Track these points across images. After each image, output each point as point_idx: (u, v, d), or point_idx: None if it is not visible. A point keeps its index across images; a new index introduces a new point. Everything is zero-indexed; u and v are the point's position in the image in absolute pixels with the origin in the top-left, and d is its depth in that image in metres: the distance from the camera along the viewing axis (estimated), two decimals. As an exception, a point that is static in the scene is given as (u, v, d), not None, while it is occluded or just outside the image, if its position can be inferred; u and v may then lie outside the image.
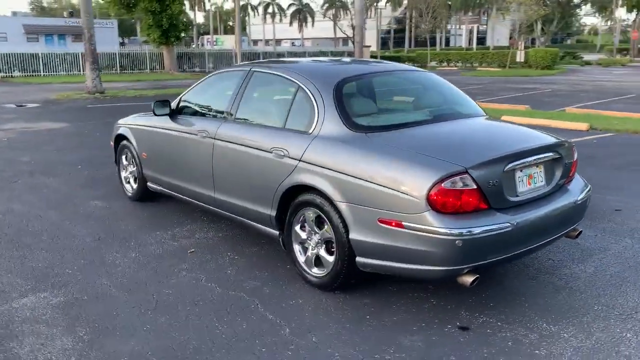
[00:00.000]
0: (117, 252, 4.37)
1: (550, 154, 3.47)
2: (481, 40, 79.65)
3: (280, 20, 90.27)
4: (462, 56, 40.51)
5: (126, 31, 77.92)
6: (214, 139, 4.30)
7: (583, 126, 10.28)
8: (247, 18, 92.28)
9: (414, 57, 41.67)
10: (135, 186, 5.68)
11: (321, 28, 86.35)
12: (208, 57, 33.68)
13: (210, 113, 4.70)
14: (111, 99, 17.35)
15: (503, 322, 3.20)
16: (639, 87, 20.67)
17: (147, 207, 5.56)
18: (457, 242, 2.90)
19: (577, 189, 3.66)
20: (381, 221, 3.12)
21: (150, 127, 5.19)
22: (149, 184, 5.45)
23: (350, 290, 3.58)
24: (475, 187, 2.99)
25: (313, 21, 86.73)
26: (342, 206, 3.30)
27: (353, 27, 39.57)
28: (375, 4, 73.39)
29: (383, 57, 39.79)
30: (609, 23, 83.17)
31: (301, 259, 3.74)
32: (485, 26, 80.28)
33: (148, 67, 31.84)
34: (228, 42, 69.90)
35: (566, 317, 3.25)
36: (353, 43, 39.66)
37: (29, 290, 3.70)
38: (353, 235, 3.26)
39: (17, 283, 3.81)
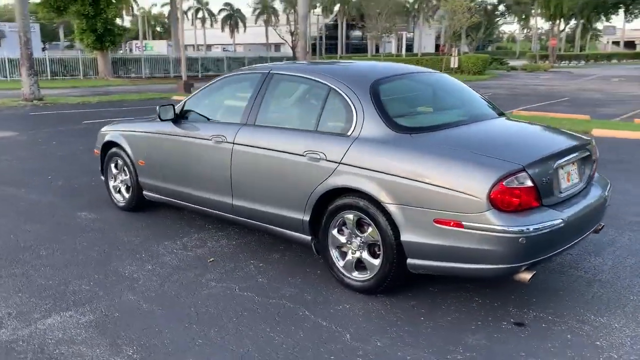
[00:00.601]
0: (131, 264, 4.14)
1: (583, 151, 3.60)
2: (409, 47, 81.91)
3: (212, 25, 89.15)
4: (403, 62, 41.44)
5: (47, 36, 74.46)
6: (233, 143, 4.16)
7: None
8: (177, 23, 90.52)
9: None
10: (127, 195, 5.40)
11: (253, 34, 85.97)
12: (145, 62, 32.65)
13: (224, 118, 4.55)
14: (53, 106, 16.45)
15: (553, 316, 3.28)
16: (571, 90, 21.95)
17: (142, 217, 5.30)
18: (520, 239, 2.94)
19: (600, 185, 3.82)
20: (437, 222, 3.12)
21: (149, 133, 4.96)
22: (145, 192, 5.20)
23: (393, 293, 3.55)
24: (532, 184, 3.05)
25: (245, 27, 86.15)
26: (392, 208, 3.27)
27: (292, 33, 39.79)
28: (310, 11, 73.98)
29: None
30: (525, 31, 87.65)
31: (339, 263, 3.67)
32: (412, 34, 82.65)
33: (81, 73, 30.48)
34: (158, 48, 68.04)
35: (609, 308, 3.37)
36: (292, 49, 39.86)
37: (49, 309, 3.43)
38: (405, 237, 3.25)
39: (34, 303, 3.52)
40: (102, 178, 5.78)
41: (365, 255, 3.53)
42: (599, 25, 69.28)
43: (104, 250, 4.43)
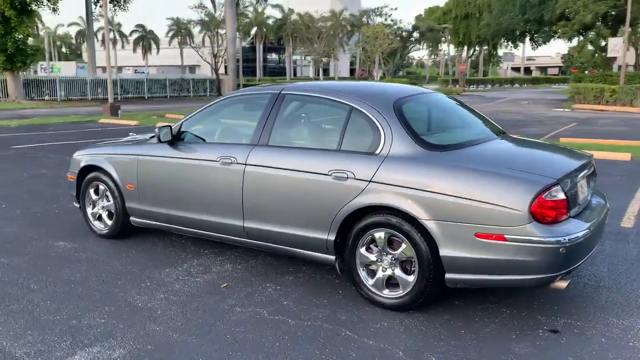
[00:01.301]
0: (140, 294, 3.91)
1: (590, 166, 3.87)
2: (325, 71, 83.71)
3: (123, 46, 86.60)
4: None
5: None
6: (245, 164, 4.08)
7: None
8: (86, 44, 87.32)
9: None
10: (110, 222, 5.12)
11: (167, 55, 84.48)
12: (60, 84, 31.04)
13: (228, 139, 4.46)
14: (-32, 130, 15.25)
15: (581, 321, 3.46)
16: (491, 112, 23.19)
17: (129, 244, 5.03)
18: (560, 249, 3.11)
19: (599, 196, 4.10)
20: (479, 236, 3.23)
21: (141, 155, 4.74)
22: (133, 218, 4.95)
23: (423, 308, 3.60)
24: (564, 197, 3.24)
25: (158, 48, 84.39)
26: (430, 224, 3.34)
27: (215, 55, 39.43)
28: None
29: (243, 86, 39.77)
30: (433, 57, 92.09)
31: (369, 282, 3.68)
32: (328, 58, 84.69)
33: (-12, 95, 28.49)
34: (66, 70, 64.92)
35: (626, 310, 3.61)
36: (215, 71, 39.46)
37: (71, 346, 3.18)
38: (445, 252, 3.32)
39: (50, 340, 3.24)
40: (76, 205, 5.44)
41: (397, 272, 3.56)
42: (500, 52, 74.40)
43: (103, 280, 4.17)
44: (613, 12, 28.24)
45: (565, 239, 3.13)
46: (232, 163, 4.15)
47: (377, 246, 3.64)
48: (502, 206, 3.17)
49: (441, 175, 3.38)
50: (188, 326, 3.43)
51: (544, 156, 3.89)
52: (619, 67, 36.47)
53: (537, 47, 40.25)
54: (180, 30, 78.62)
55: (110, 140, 5.82)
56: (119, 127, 16.80)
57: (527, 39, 38.96)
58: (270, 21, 74.47)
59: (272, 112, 4.15)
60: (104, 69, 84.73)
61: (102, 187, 5.10)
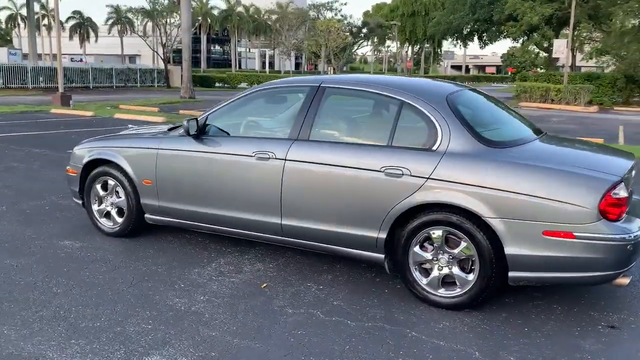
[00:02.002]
0: (178, 296, 3.69)
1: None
2: (271, 64, 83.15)
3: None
4: (272, 79, 41.76)
5: None
6: (284, 160, 3.92)
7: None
8: (17, 29, 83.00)
9: (224, 77, 41.66)
10: (120, 220, 4.81)
11: (106, 44, 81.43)
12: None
13: (262, 133, 4.27)
14: None
15: (633, 317, 3.53)
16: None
17: (143, 243, 4.75)
18: (628, 246, 3.14)
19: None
20: (547, 233, 3.22)
21: (161, 149, 4.47)
22: (148, 215, 4.68)
23: (479, 307, 3.57)
24: (626, 195, 3.28)
25: (97, 36, 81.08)
26: (495, 222, 3.31)
27: (163, 45, 38.26)
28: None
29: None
30: (376, 53, 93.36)
31: (423, 281, 3.62)
32: (273, 51, 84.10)
33: None
34: (-6, 58, 60.99)
35: (669, 305, 3.72)
36: (164, 61, 38.29)
37: (128, 355, 2.95)
38: (510, 251, 3.30)
39: (101, 349, 3.00)
40: (77, 201, 5.08)
41: (456, 271, 3.51)
42: (440, 50, 76.19)
43: (131, 283, 3.90)
44: (558, 15, 29.45)
45: (630, 236, 3.17)
46: (269, 158, 3.98)
47: (432, 244, 3.58)
48: (570, 204, 3.17)
49: (506, 172, 3.35)
50: (245, 330, 3.25)
51: (598, 154, 3.93)
52: (558, 67, 38.13)
53: (484, 47, 41.56)
54: (120, 19, 75.87)
55: (115, 133, 5.47)
56: (74, 118, 15.99)
57: (476, 37, 40.15)
58: (215, 12, 73.06)
59: (312, 105, 4.00)
60: (39, 56, 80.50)
61: (111, 182, 4.79)
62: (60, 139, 11.37)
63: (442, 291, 3.57)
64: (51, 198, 6.20)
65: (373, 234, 3.69)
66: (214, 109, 4.43)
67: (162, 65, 40.32)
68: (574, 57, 36.50)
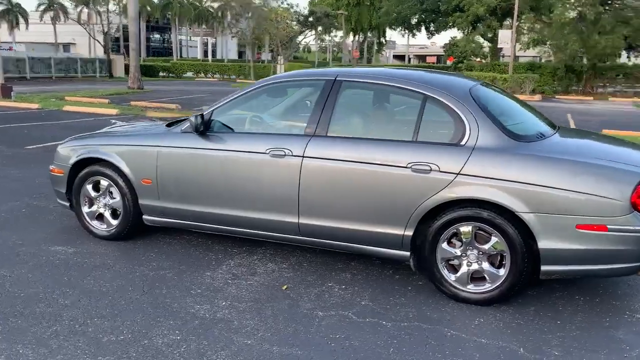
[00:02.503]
0: (198, 303, 3.50)
1: None
2: (213, 53, 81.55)
3: (-17, 20, 77.89)
4: (220, 68, 40.96)
5: None
6: (302, 157, 3.78)
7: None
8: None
9: (168, 66, 40.50)
10: (115, 222, 4.53)
11: (38, 32, 77.55)
12: None
13: (274, 129, 4.11)
14: None
15: (653, 305, 3.63)
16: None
17: (141, 245, 4.50)
18: None
19: None
20: (580, 227, 3.24)
21: (163, 146, 4.22)
22: (147, 217, 4.43)
23: (507, 301, 3.57)
24: None
25: (27, 23, 77.03)
26: (528, 217, 3.30)
27: (105, 33, 36.72)
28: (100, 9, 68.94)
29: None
30: (318, 42, 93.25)
31: (451, 277, 3.58)
32: (214, 39, 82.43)
33: None
34: None
35: (680, 292, 3.85)
36: (106, 50, 36.78)
37: (165, 370, 2.76)
38: (544, 245, 3.30)
39: (135, 365, 2.79)
40: (64, 203, 4.76)
41: (486, 266, 3.50)
42: (383, 40, 76.82)
43: (143, 290, 3.68)
44: (502, 6, 30.27)
45: None
46: (285, 155, 3.83)
47: (460, 240, 3.54)
48: (603, 197, 3.20)
49: (537, 166, 3.34)
50: (280, 336, 3.12)
51: (620, 147, 3.96)
52: (500, 57, 39.26)
53: (431, 36, 42.22)
54: (52, 5, 72.30)
55: (107, 129, 5.14)
56: (19, 111, 15.09)
57: (423, 28, 40.74)
58: (155, -1, 70.79)
59: (328, 99, 3.87)
60: (-37, 44, 75.57)
61: (104, 182, 4.49)
62: (12, 134, 10.68)
63: (471, 287, 3.55)
64: (24, 199, 5.79)
65: (399, 231, 3.62)
66: (219, 104, 4.21)
67: (99, 54, 38.76)
68: (514, 47, 37.66)
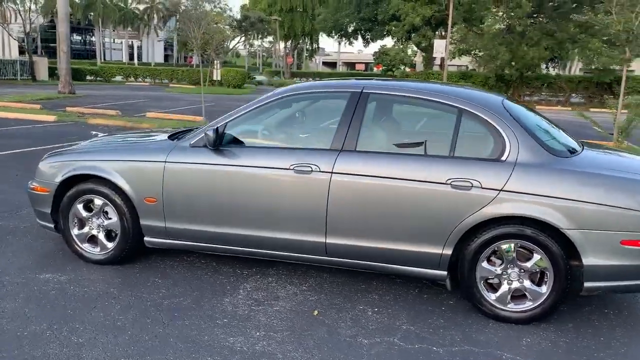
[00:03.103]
0: (230, 334, 3.21)
1: None
2: (138, 56, 79.00)
3: None
4: (150, 72, 39.53)
5: None
6: (331, 173, 3.58)
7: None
8: None
9: (96, 70, 38.61)
10: (111, 245, 4.12)
11: (-55, 31, 72.34)
12: None
13: (297, 143, 3.88)
14: None
15: (678, 316, 3.70)
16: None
17: (138, 270, 4.12)
18: None
19: None
20: (625, 243, 3.24)
21: (168, 162, 3.88)
22: (149, 239, 4.06)
23: (544, 319, 3.51)
24: None
25: None
26: (573, 233, 3.26)
27: (27, 34, 34.47)
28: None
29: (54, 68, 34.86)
30: (248, 47, 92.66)
31: (491, 297, 3.49)
32: (140, 41, 79.89)
33: None
34: None
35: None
36: (28, 52, 34.53)
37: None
38: (589, 261, 3.27)
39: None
40: (47, 224, 4.29)
41: (528, 284, 3.43)
42: (312, 47, 77.36)
43: (163, 322, 3.33)
44: (436, 16, 31.15)
45: None
46: (312, 171, 3.61)
47: (500, 258, 3.46)
48: (647, 212, 3.21)
49: (581, 182, 3.31)
50: (335, 370, 2.90)
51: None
52: (432, 66, 40.35)
53: (368, 45, 42.81)
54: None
55: (92, 142, 4.68)
56: (-57, 117, 13.81)
57: (360, 36, 41.27)
58: (77, -1, 67.67)
59: (356, 112, 3.68)
60: None
61: (98, 201, 4.08)
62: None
63: (511, 306, 3.47)
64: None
65: (437, 250, 3.49)
66: (233, 116, 3.92)
67: (13, 56, 36.42)
68: (434, 57, 38.84)
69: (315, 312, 3.54)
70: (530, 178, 3.34)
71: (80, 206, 4.13)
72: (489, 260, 3.48)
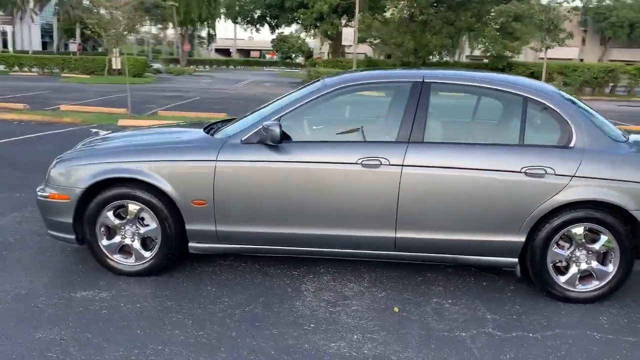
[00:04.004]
0: (328, 339, 3.04)
1: None
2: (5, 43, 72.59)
3: None
4: (38, 61, 36.36)
5: None
6: (402, 165, 3.50)
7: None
8: None
9: (-27, 59, 34.88)
10: (149, 254, 3.75)
11: None
12: None
13: (358, 136, 3.73)
14: None
15: None
16: (259, 94, 23.60)
17: (180, 278, 3.79)
18: None
19: None
20: (685, 220, 3.47)
21: (220, 161, 3.58)
22: (194, 244, 3.74)
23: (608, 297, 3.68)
24: None
25: None
26: (638, 214, 3.44)
27: None
28: None
29: None
30: (133, 35, 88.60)
31: (560, 279, 3.60)
32: (13, 27, 73.46)
33: None
34: None
35: None
36: None
37: None
38: (654, 240, 3.48)
39: None
40: (64, 236, 3.81)
41: (595, 265, 3.57)
42: (203, 33, 75.39)
43: (250, 334, 3.09)
44: (343, 4, 31.53)
45: None
46: (380, 165, 3.50)
47: (568, 242, 3.57)
48: (700, 192, 3.46)
49: (642, 165, 3.49)
50: (455, 366, 2.85)
51: None
52: (341, 54, 40.87)
53: (274, 31, 42.21)
54: None
55: (99, 142, 4.18)
56: None
57: (266, 23, 40.59)
58: None
59: (420, 103, 3.61)
60: None
61: (133, 207, 3.68)
62: None
63: (580, 287, 3.60)
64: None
65: (511, 238, 3.53)
66: (285, 111, 3.68)
67: None
68: (343, 45, 39.55)
69: (396, 309, 3.45)
70: (598, 163, 3.47)
71: (110, 213, 3.71)
72: (557, 245, 3.58)
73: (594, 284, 3.59)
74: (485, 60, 33.73)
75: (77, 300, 3.40)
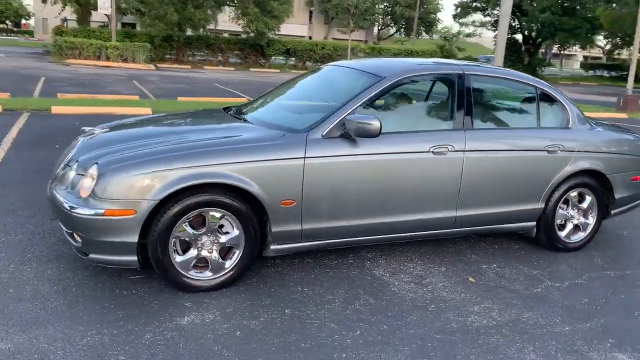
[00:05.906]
0: (441, 320, 3.35)
1: None
2: None
3: None
4: None
5: None
6: (464, 151, 3.91)
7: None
8: None
9: None
10: (230, 263, 3.43)
11: None
12: None
13: (419, 125, 3.98)
14: None
15: None
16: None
17: (260, 287, 3.57)
18: None
19: None
20: (633, 179, 4.65)
21: (310, 157, 3.45)
22: (276, 247, 3.56)
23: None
24: None
25: None
26: (611, 177, 4.49)
27: None
28: None
29: None
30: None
31: (562, 234, 4.47)
32: None
33: None
34: None
35: None
36: None
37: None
38: (617, 194, 4.58)
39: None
40: (115, 259, 3.22)
41: (582, 220, 4.54)
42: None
43: (400, 325, 3.20)
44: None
45: None
46: (447, 152, 3.85)
47: (565, 204, 4.45)
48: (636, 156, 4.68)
49: (613, 140, 4.56)
50: (574, 316, 3.44)
51: None
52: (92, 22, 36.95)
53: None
54: None
55: (151, 144, 3.49)
56: None
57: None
58: None
59: (466, 93, 4.02)
60: None
61: (215, 214, 3.31)
62: None
63: (572, 238, 4.54)
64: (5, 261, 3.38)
65: (535, 205, 4.26)
66: (354, 105, 3.67)
67: None
68: (90, 13, 35.72)
69: (471, 279, 3.88)
70: (586, 140, 4.39)
71: (187, 224, 3.27)
72: (560, 207, 4.43)
73: (581, 235, 4.56)
74: (244, 36, 34.52)
75: (184, 329, 2.97)
